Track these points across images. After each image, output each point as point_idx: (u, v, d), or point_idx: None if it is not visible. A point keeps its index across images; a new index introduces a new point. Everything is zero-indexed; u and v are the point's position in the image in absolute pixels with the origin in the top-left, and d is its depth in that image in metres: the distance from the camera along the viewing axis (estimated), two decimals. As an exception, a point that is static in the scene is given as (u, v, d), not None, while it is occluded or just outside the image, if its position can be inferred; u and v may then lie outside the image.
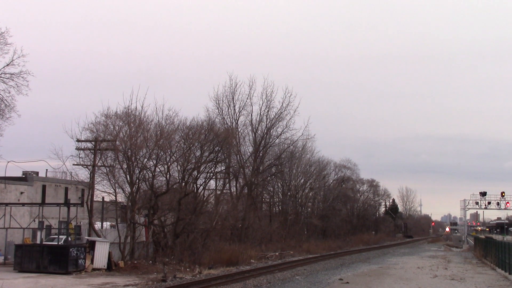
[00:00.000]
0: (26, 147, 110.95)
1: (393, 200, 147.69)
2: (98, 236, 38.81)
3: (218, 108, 59.46)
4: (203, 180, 49.36)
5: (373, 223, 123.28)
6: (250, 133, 61.96)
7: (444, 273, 36.58)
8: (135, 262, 36.43)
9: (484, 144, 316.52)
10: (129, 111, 40.56)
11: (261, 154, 62.03)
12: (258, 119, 61.33)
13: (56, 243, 36.19)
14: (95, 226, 42.76)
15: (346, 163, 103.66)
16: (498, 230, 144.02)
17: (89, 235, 38.87)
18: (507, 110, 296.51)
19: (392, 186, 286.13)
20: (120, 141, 39.94)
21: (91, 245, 34.14)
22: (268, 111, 61.33)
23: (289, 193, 74.81)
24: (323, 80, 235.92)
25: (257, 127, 61.42)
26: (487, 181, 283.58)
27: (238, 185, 60.63)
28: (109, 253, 34.77)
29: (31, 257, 32.33)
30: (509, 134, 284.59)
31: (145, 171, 41.68)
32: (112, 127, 40.52)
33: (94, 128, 40.10)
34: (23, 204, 42.74)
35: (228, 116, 59.84)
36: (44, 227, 40.93)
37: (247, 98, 60.43)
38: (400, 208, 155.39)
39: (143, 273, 32.81)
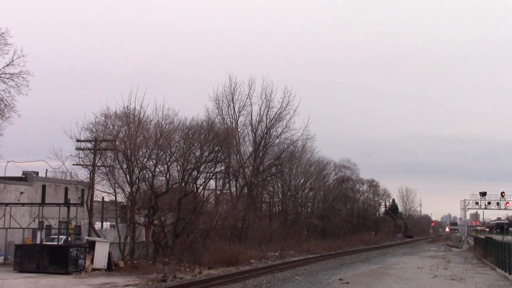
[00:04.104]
0: (26, 147, 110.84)
1: (393, 200, 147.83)
2: (98, 236, 38.81)
3: (218, 108, 59.53)
4: (203, 180, 49.42)
5: (373, 223, 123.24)
6: (250, 133, 62.01)
7: (444, 273, 36.57)
8: (135, 262, 36.43)
9: (483, 144, 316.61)
10: (129, 111, 40.61)
11: (261, 154, 62.02)
12: (257, 119, 61.38)
13: (56, 243, 36.16)
14: (95, 226, 42.78)
15: (346, 163, 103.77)
16: (498, 230, 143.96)
17: (89, 235, 38.87)
18: (506, 111, 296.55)
19: (392, 186, 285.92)
20: (120, 141, 39.94)
21: (91, 245, 34.14)
22: (267, 111, 61.41)
23: (289, 193, 74.77)
24: (323, 80, 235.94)
25: (257, 127, 61.46)
26: (487, 181, 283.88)
27: (238, 185, 60.61)
28: (109, 253, 34.77)
29: (31, 257, 32.32)
30: (508, 135, 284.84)
31: (144, 171, 41.67)
32: (111, 127, 40.57)
33: (93, 128, 40.21)
34: (23, 204, 42.70)
35: (228, 116, 59.93)
36: (44, 227, 40.89)
37: (247, 98, 60.52)
38: (400, 208, 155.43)
39: (143, 273, 32.80)
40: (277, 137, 62.96)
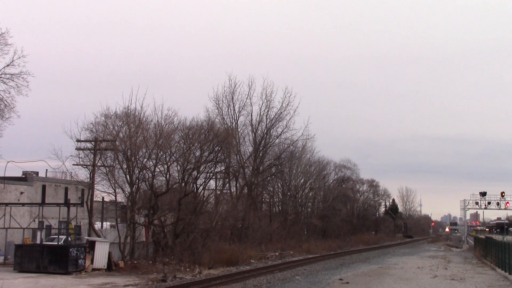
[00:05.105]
0: (26, 147, 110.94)
1: (393, 200, 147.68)
2: (98, 236, 38.80)
3: (217, 108, 59.46)
4: (203, 180, 49.39)
5: (373, 223, 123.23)
6: (250, 133, 61.99)
7: (444, 273, 36.58)
8: (135, 262, 36.43)
9: (482, 144, 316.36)
10: (129, 111, 40.60)
11: (261, 154, 62.01)
12: (258, 119, 61.36)
13: (56, 243, 36.18)
14: (95, 226, 42.77)
15: (346, 163, 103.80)
16: (498, 230, 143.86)
17: (89, 235, 38.88)
18: (505, 111, 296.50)
19: (392, 186, 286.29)
20: (120, 141, 39.94)
21: (91, 245, 34.14)
22: (268, 111, 61.40)
23: (289, 193, 74.77)
24: (323, 80, 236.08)
25: (257, 127, 61.44)
26: (487, 181, 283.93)
27: (238, 185, 60.59)
28: (109, 253, 34.77)
29: (31, 257, 32.33)
30: (507, 135, 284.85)
31: (144, 171, 41.67)
32: (111, 127, 40.57)
33: (93, 128, 40.23)
34: (23, 204, 42.72)
35: (228, 116, 59.89)
36: (44, 227, 40.88)
37: (247, 98, 60.48)
38: (400, 208, 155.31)
39: (143, 273, 32.80)
40: (277, 137, 63.01)
